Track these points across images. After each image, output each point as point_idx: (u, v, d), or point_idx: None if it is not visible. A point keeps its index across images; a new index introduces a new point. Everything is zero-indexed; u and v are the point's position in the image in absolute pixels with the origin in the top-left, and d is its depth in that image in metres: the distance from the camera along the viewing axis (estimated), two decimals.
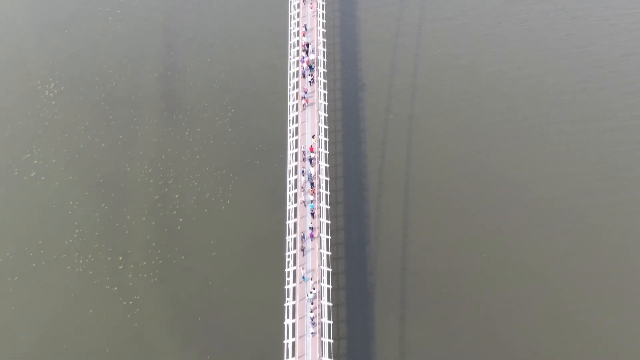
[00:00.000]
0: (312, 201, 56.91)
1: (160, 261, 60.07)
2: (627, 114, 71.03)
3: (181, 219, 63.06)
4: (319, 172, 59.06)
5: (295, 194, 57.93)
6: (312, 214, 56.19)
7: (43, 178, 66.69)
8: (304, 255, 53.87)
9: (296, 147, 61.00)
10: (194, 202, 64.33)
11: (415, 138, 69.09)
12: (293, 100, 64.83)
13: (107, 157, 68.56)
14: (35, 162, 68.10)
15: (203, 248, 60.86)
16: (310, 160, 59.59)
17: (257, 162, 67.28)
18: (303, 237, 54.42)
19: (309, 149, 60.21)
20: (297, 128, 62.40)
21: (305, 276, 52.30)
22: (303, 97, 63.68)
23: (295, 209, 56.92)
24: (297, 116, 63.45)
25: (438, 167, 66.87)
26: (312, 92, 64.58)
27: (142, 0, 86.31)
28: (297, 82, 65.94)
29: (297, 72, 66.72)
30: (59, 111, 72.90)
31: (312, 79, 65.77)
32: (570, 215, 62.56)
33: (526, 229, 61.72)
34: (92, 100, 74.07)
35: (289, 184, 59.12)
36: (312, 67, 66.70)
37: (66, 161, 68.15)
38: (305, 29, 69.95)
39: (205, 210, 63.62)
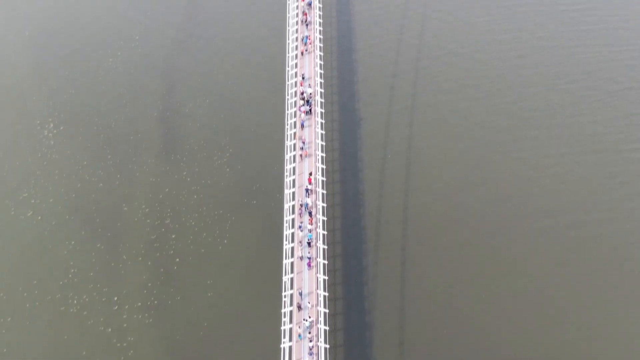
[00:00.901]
0: (310, 230, 56.90)
1: (156, 302, 59.46)
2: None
3: (177, 259, 62.69)
4: (316, 199, 59.24)
5: (292, 248, 56.83)
6: (309, 244, 56.11)
7: (39, 217, 66.51)
8: (299, 310, 52.61)
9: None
10: (190, 242, 64.08)
11: (414, 170, 69.56)
12: (290, 151, 64.22)
13: (104, 196, 68.55)
14: (33, 201, 68.02)
15: (199, 289, 60.34)
16: (307, 190, 59.84)
17: (255, 202, 67.32)
18: (300, 293, 53.11)
19: (306, 180, 60.57)
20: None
21: (301, 334, 51.12)
22: (301, 148, 63.43)
23: (292, 263, 55.78)
24: (294, 165, 63.06)
25: (436, 199, 67.33)
26: (310, 142, 64.06)
27: (142, 41, 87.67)
28: (295, 133, 65.65)
29: (295, 122, 66.63)
30: (57, 151, 73.20)
31: (310, 110, 66.62)
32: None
33: (528, 261, 61.66)
34: (90, 139, 74.48)
35: (285, 238, 58.05)
36: (310, 101, 67.70)
37: (63, 200, 68.10)
38: (303, 79, 70.01)
39: (202, 251, 63.32)
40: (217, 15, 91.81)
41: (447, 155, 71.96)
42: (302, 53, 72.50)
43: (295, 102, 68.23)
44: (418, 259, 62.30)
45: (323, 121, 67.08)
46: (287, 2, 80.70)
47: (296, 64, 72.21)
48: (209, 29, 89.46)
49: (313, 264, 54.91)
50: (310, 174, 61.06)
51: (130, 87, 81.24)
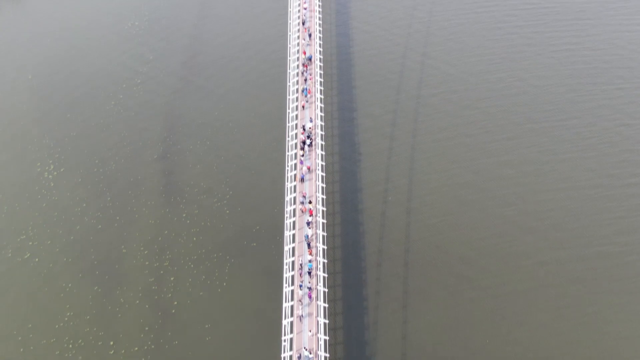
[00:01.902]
0: (310, 260, 56.40)
1: (153, 346, 58.24)
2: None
3: (176, 302, 61.73)
4: (316, 227, 59.31)
5: (292, 306, 55.31)
6: (309, 273, 55.62)
7: (37, 259, 65.79)
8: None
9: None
10: (189, 285, 63.23)
11: (414, 218, 69.28)
12: (290, 205, 63.53)
13: (102, 238, 68.02)
14: (30, 243, 67.42)
15: (197, 332, 59.21)
16: (308, 223, 59.70)
17: (255, 244, 66.79)
18: (299, 357, 51.41)
19: (307, 213, 60.68)
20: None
21: None
22: (301, 202, 62.89)
23: (292, 323, 54.04)
24: (294, 219, 62.37)
25: (437, 243, 66.84)
26: (311, 195, 63.43)
27: (145, 84, 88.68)
28: (295, 186, 65.05)
29: (294, 175, 66.30)
30: (57, 193, 73.02)
31: (311, 143, 67.18)
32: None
33: (530, 312, 60.83)
34: (90, 181, 74.41)
35: (285, 297, 56.63)
36: (310, 135, 67.81)
37: (61, 243, 67.53)
38: (304, 129, 70.00)
39: (201, 294, 62.42)
40: (220, 64, 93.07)
41: (446, 192, 71.95)
42: (302, 107, 72.53)
43: (295, 144, 68.56)
44: (419, 293, 61.73)
45: (323, 169, 67.19)
46: (288, 57, 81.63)
47: (297, 116, 72.42)
48: (210, 75, 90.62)
49: (313, 295, 54.42)
50: (310, 202, 61.32)
51: (132, 129, 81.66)
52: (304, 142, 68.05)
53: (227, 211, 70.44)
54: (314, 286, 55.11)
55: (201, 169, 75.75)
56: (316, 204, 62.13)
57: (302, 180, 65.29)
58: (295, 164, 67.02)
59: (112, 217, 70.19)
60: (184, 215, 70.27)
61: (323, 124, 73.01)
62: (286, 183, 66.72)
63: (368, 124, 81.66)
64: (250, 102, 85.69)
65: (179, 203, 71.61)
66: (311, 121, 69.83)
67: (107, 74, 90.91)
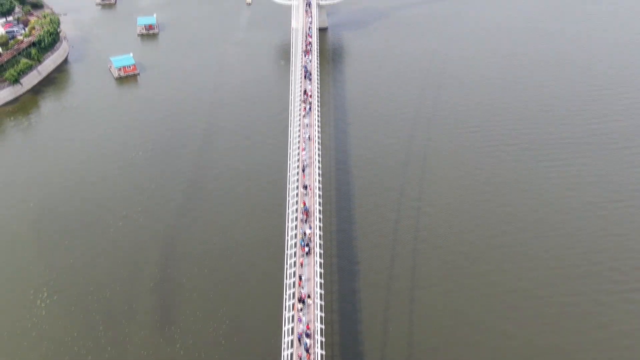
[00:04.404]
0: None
1: None
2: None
3: None
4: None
5: None
6: (307, 351, 54.52)
7: None
8: None
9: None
10: None
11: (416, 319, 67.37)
12: (288, 349, 59.14)
13: None
14: None
15: None
16: (307, 335, 57.96)
17: None
18: None
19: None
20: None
21: None
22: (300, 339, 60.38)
23: None
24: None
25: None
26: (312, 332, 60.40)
27: (144, 212, 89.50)
28: (293, 328, 61.06)
29: (292, 304, 63.03)
30: (48, 321, 71.16)
31: (309, 251, 65.77)
32: None
33: None
34: (83, 310, 72.79)
35: None
36: (310, 244, 66.86)
37: None
38: (301, 279, 66.24)
39: None
40: (221, 194, 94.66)
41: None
42: (301, 264, 67.73)
43: (293, 283, 65.67)
44: None
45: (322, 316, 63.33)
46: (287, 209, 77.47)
47: (294, 262, 67.68)
48: (210, 204, 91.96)
49: None
50: (308, 335, 58.87)
51: (129, 257, 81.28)
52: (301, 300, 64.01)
53: (223, 341, 68.38)
54: None
55: (197, 298, 74.51)
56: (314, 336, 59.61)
57: (300, 321, 61.45)
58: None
59: (103, 348, 67.86)
60: (178, 345, 68.09)
61: (322, 281, 66.86)
62: (284, 332, 61.38)
63: (367, 271, 78.67)
64: (247, 230, 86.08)
65: (174, 333, 69.62)
66: (310, 228, 69.21)
67: (108, 202, 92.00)
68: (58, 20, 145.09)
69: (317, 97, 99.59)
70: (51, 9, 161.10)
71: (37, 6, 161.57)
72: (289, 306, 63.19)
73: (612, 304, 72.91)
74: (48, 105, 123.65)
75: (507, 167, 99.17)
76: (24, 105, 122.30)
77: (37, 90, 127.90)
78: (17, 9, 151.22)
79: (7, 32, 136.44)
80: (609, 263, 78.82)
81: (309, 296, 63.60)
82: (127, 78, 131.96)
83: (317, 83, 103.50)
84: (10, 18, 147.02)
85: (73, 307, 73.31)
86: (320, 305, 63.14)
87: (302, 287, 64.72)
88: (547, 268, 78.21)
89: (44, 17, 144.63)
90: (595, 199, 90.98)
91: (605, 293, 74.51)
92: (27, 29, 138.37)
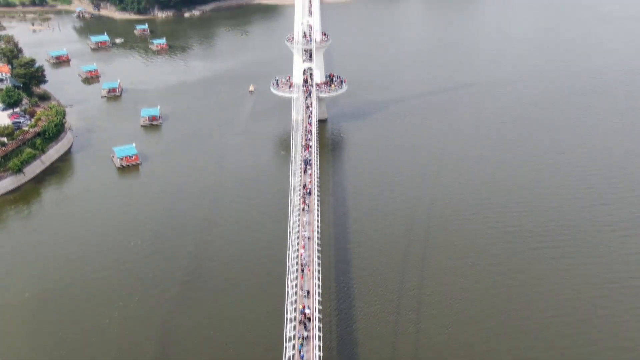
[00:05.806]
0: None
1: None
2: None
3: None
4: None
5: None
6: None
7: None
8: None
9: None
10: None
11: None
12: None
13: None
14: None
15: None
16: None
17: None
18: None
19: None
20: None
21: None
22: None
23: None
24: None
25: None
26: None
27: (141, 302, 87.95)
28: None
29: None
30: None
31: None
32: None
33: None
34: None
35: None
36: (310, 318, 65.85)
37: None
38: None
39: None
40: (220, 283, 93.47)
41: None
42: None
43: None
44: None
45: None
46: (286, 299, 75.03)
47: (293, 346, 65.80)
48: (210, 290, 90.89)
49: None
50: None
51: (124, 349, 79.24)
52: None
53: None
54: None
55: None
56: None
57: None
58: None
59: None
60: None
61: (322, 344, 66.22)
62: None
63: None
64: (245, 309, 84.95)
65: None
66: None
67: (104, 291, 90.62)
68: (64, 111, 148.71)
69: (317, 193, 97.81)
70: (58, 101, 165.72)
71: (45, 98, 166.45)
72: None
73: None
74: (49, 193, 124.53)
75: (516, 253, 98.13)
76: (25, 194, 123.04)
77: (40, 179, 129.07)
78: (24, 101, 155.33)
79: (13, 123, 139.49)
80: None
81: None
82: (129, 167, 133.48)
83: (317, 177, 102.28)
84: (17, 109, 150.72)
85: None
86: None
87: None
88: None
89: (50, 108, 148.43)
90: None
91: None
92: (33, 120, 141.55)
